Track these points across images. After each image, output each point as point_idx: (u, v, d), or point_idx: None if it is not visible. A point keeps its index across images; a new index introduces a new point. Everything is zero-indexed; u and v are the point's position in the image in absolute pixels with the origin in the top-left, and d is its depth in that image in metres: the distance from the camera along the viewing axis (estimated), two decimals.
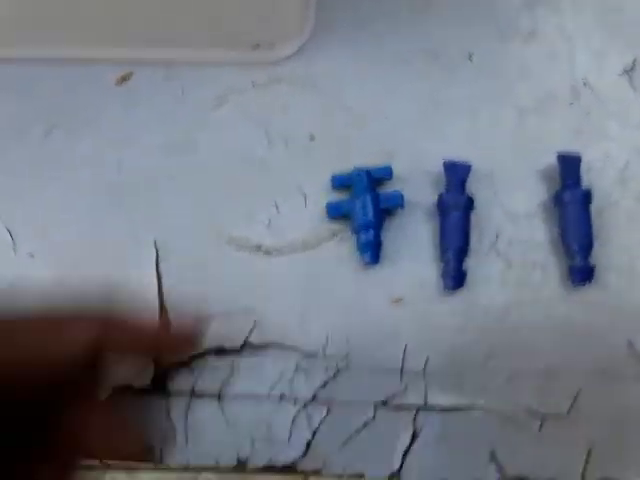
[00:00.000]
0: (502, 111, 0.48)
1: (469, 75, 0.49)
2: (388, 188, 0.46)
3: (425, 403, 0.40)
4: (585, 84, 0.49)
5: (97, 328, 0.30)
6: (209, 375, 0.41)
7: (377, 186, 0.45)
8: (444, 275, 0.43)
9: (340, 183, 0.45)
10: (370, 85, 0.49)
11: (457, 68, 0.50)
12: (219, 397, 0.41)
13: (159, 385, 0.41)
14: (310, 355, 0.42)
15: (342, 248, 0.44)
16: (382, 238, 0.44)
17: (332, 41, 0.50)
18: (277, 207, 0.45)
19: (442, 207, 0.44)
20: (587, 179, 0.45)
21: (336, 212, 0.45)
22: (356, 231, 0.44)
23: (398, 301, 0.43)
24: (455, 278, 0.43)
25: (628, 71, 0.49)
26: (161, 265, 0.44)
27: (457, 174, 0.44)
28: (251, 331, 0.42)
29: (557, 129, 0.47)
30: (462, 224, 0.43)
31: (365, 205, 0.43)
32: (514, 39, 0.50)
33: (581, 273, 0.42)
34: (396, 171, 0.45)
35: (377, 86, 0.49)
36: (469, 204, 0.43)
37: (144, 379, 0.41)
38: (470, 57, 0.50)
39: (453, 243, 0.43)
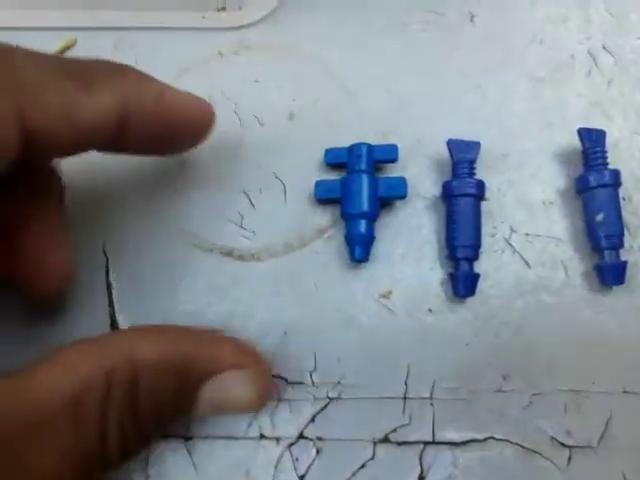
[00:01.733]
0: (510, 82, 0.39)
1: (471, 40, 0.40)
2: (388, 173, 0.37)
3: (433, 438, 0.32)
4: (604, 48, 0.40)
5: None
6: None
7: (377, 170, 0.36)
8: (453, 280, 0.34)
9: (334, 158, 0.37)
10: (359, 53, 0.40)
11: (458, 31, 0.40)
12: (185, 438, 0.32)
13: None
14: (295, 383, 0.33)
15: (330, 248, 0.35)
16: (376, 232, 0.35)
17: (312, 0, 0.40)
18: (251, 200, 0.36)
19: (448, 195, 0.35)
20: (611, 160, 0.36)
21: (326, 193, 0.36)
22: (346, 220, 0.35)
23: (387, 295, 0.34)
24: (466, 283, 0.34)
25: None
26: (111, 274, 0.35)
27: (465, 154, 0.36)
28: None
29: (574, 102, 0.39)
30: (472, 216, 0.35)
31: (360, 191, 0.35)
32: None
33: (611, 272, 0.34)
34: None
35: (367, 54, 0.40)
36: (480, 191, 0.35)
37: None
38: (472, 19, 0.41)
39: (462, 240, 0.35)
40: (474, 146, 0.36)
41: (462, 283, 0.34)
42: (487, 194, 0.36)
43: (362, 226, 0.34)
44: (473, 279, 0.34)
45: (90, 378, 0.23)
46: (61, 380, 0.22)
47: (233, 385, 0.27)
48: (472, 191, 0.35)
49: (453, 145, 0.36)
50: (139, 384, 0.24)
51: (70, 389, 0.22)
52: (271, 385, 0.29)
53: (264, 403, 0.30)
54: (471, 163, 0.36)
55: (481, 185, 0.35)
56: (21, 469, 0.21)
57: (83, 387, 0.22)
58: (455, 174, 0.36)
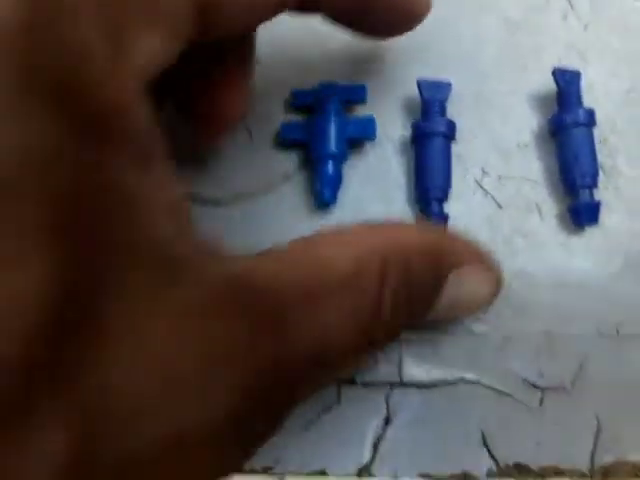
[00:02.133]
0: (484, 23, 0.38)
1: None
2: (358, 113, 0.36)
3: (400, 379, 0.31)
4: None
5: None
6: None
7: (345, 110, 0.35)
8: (422, 218, 0.33)
9: (301, 100, 0.36)
10: None
11: None
12: None
13: None
14: None
15: (297, 193, 0.34)
16: (344, 176, 0.34)
17: None
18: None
19: (418, 135, 0.34)
20: (586, 102, 0.35)
21: (292, 135, 0.35)
22: (314, 162, 0.34)
23: None
24: (436, 223, 0.33)
25: None
26: None
27: (435, 94, 0.34)
28: None
29: (550, 45, 0.37)
30: (442, 156, 0.34)
31: (327, 131, 0.34)
32: None
33: (585, 212, 0.33)
34: None
35: None
36: (450, 131, 0.34)
37: None
38: None
39: (432, 180, 0.33)
40: (445, 86, 0.35)
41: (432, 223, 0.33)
42: (458, 137, 0.35)
43: (329, 167, 0.33)
44: (444, 220, 0.33)
45: (367, 259, 0.22)
46: (340, 256, 0.22)
47: (472, 279, 0.26)
48: (442, 130, 0.34)
49: (423, 85, 0.35)
50: (411, 269, 0.23)
51: (347, 266, 0.21)
52: (502, 282, 0.28)
53: (494, 301, 0.28)
54: (441, 103, 0.35)
55: (451, 125, 0.34)
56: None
57: (360, 267, 0.22)
58: (425, 114, 0.34)
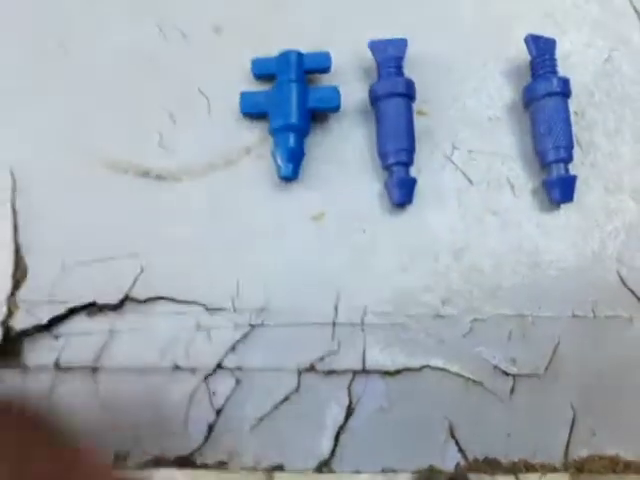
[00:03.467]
0: None
1: None
2: (322, 83, 0.33)
3: (363, 366, 0.28)
4: None
5: None
6: (79, 342, 0.29)
7: (309, 81, 0.32)
8: (387, 187, 0.30)
9: (262, 69, 0.33)
10: None
11: None
12: (93, 370, 0.28)
13: (10, 357, 0.28)
14: (214, 309, 0.29)
15: (258, 167, 0.31)
16: (307, 149, 0.31)
17: None
18: (172, 117, 0.32)
19: (375, 98, 0.31)
20: (563, 73, 0.32)
21: (253, 106, 0.32)
22: (274, 134, 0.30)
23: (319, 217, 0.30)
24: (401, 189, 0.31)
25: None
26: (17, 198, 0.30)
27: (389, 53, 0.32)
28: (135, 280, 0.29)
29: (525, 12, 0.34)
30: (402, 117, 0.31)
31: (289, 102, 0.31)
32: None
33: (559, 187, 0.31)
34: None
35: None
36: (408, 89, 0.31)
37: None
38: None
39: (393, 143, 0.31)
40: (399, 43, 0.32)
41: (397, 189, 0.31)
42: (427, 109, 0.32)
43: (290, 140, 0.30)
44: (409, 184, 0.31)
45: None
46: None
47: None
48: (399, 90, 0.31)
49: (376, 46, 0.32)
50: None
51: None
52: None
53: None
54: (397, 61, 0.32)
55: (410, 84, 0.31)
56: None
57: None
58: (380, 75, 0.32)
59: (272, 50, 0.33)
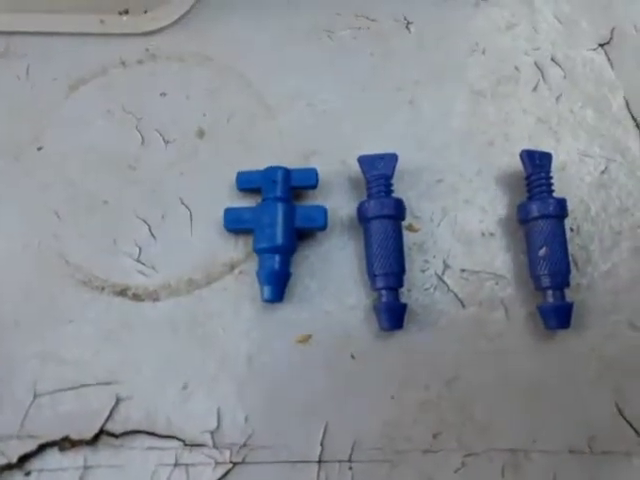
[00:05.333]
0: (448, 96, 0.34)
1: (407, 49, 0.34)
2: (309, 200, 0.31)
3: None
4: (553, 60, 0.35)
5: None
6: (51, 479, 0.27)
7: (296, 197, 0.31)
8: (376, 312, 0.29)
9: (247, 183, 0.31)
10: (278, 62, 0.34)
11: (392, 39, 0.34)
12: None
13: None
14: (193, 445, 0.27)
15: (242, 285, 0.29)
16: (293, 267, 0.29)
17: (224, 4, 0.34)
18: (151, 230, 0.30)
19: (363, 218, 0.30)
20: (558, 186, 0.30)
21: (237, 223, 0.30)
22: (258, 254, 0.29)
23: (304, 340, 0.28)
24: (390, 315, 0.29)
25: (604, 44, 0.35)
26: None
27: (379, 170, 0.30)
28: (111, 412, 0.27)
29: (519, 119, 0.33)
30: (391, 239, 0.29)
31: (274, 222, 0.29)
32: (463, 3, 0.36)
33: (555, 315, 0.29)
34: None
35: (288, 63, 0.34)
36: (397, 211, 0.30)
37: None
38: (407, 25, 0.35)
39: (381, 267, 0.29)
40: (389, 159, 0.30)
41: (385, 314, 0.29)
42: (418, 224, 0.31)
43: (275, 262, 0.29)
44: (398, 310, 0.29)
45: None
46: None
47: None
48: (388, 212, 0.29)
49: (365, 161, 0.31)
50: None
51: None
52: None
53: None
54: (387, 179, 0.30)
55: (399, 204, 0.30)
56: None
57: None
58: (369, 194, 0.30)
59: (257, 159, 0.31)
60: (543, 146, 0.33)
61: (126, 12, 0.32)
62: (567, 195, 0.31)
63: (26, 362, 0.29)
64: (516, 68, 0.35)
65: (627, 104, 0.34)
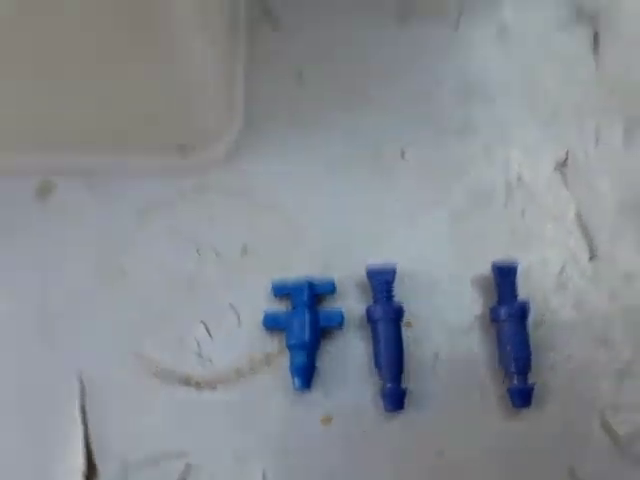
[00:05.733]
0: (437, 215, 0.43)
1: (404, 176, 0.44)
2: (329, 302, 0.40)
3: None
4: (519, 180, 0.44)
5: None
6: None
7: (318, 301, 0.40)
8: (382, 396, 0.38)
9: (281, 291, 0.40)
10: (304, 190, 0.43)
11: (392, 168, 0.44)
12: None
13: None
14: None
15: (277, 375, 0.38)
16: (318, 360, 0.39)
17: (263, 143, 0.44)
18: (208, 330, 0.39)
19: (370, 320, 0.39)
20: (525, 286, 0.40)
21: (273, 324, 0.39)
22: (290, 349, 0.38)
23: (328, 421, 0.37)
24: (392, 399, 0.38)
25: (560, 166, 0.44)
26: (86, 406, 0.38)
27: (382, 278, 0.39)
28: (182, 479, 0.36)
29: (492, 232, 0.42)
30: (391, 339, 0.38)
31: (302, 324, 0.38)
32: (448, 134, 0.45)
33: (518, 395, 0.38)
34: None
35: (311, 192, 0.43)
36: (397, 314, 0.39)
37: None
38: (403, 155, 0.44)
39: (385, 360, 0.38)
40: (390, 270, 0.40)
41: (388, 399, 0.38)
42: (414, 321, 0.40)
43: (303, 357, 0.38)
44: (399, 395, 0.38)
45: None
46: None
47: None
48: (389, 316, 0.39)
49: (371, 272, 0.40)
50: None
51: None
52: None
53: None
54: (388, 285, 0.39)
55: (398, 309, 0.39)
56: None
57: None
58: (375, 299, 0.39)
59: (289, 270, 0.41)
60: (512, 254, 0.41)
61: (182, 149, 0.42)
62: (530, 293, 0.40)
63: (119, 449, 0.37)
64: (491, 189, 0.44)
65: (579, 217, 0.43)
